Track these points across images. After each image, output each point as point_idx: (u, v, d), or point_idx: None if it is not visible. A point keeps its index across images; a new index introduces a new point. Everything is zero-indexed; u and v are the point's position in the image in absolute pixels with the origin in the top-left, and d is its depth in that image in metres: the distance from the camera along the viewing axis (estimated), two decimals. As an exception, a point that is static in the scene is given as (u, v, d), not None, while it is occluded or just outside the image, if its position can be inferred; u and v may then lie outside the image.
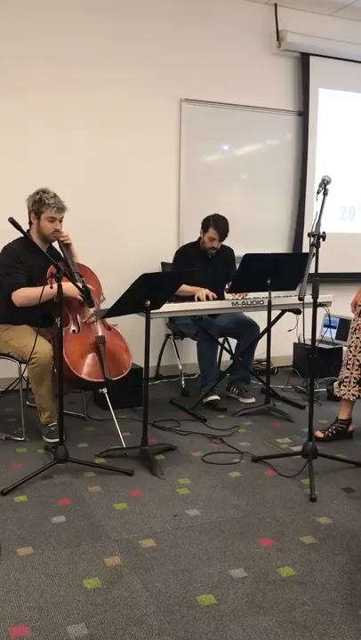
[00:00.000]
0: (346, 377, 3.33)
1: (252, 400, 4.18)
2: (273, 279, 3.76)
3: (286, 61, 5.11)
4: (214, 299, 3.94)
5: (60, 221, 3.42)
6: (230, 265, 4.38)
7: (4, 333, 3.46)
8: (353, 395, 3.32)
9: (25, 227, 3.30)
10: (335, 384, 3.44)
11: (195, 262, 4.21)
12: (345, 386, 3.33)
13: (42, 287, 3.17)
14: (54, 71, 4.35)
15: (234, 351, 4.41)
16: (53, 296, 3.15)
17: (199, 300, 3.92)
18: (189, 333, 4.25)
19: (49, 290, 3.08)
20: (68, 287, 3.13)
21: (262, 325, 4.02)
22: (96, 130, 4.52)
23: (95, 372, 3.23)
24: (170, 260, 4.43)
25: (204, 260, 4.26)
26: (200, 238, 4.28)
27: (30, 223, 3.45)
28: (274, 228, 5.23)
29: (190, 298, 3.96)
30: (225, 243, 4.25)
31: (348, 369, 3.33)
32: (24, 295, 3.31)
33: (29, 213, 3.42)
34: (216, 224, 4.12)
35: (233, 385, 4.32)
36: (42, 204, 3.34)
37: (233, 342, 4.50)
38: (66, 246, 3.52)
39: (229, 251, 4.39)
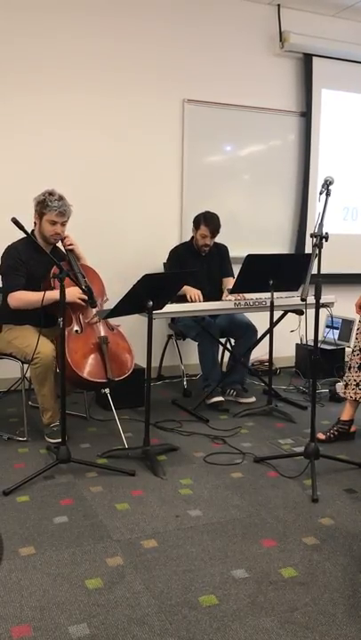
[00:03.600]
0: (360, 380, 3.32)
1: (253, 399, 4.17)
2: (275, 280, 3.75)
3: (289, 62, 5.11)
4: (202, 300, 3.94)
5: (63, 225, 3.42)
6: (225, 261, 4.38)
7: (7, 333, 3.47)
8: None
9: (29, 227, 3.31)
10: (338, 385, 3.43)
11: (188, 262, 4.21)
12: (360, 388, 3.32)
13: (39, 293, 3.19)
14: (56, 73, 4.35)
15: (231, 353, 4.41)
16: (52, 301, 3.17)
17: (192, 300, 3.92)
18: (190, 334, 4.25)
19: (48, 295, 3.09)
20: (68, 292, 3.13)
21: (264, 326, 4.01)
22: (99, 131, 4.52)
23: (98, 372, 3.24)
24: (171, 260, 4.44)
25: (198, 259, 4.26)
26: (193, 237, 4.28)
27: (35, 223, 3.45)
28: (276, 228, 5.23)
29: (183, 297, 3.96)
30: (219, 240, 4.25)
31: None
32: (20, 298, 3.32)
33: (34, 213, 3.43)
34: (207, 221, 4.12)
35: (228, 387, 4.27)
36: (44, 205, 3.34)
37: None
38: (69, 251, 3.54)
39: (223, 247, 4.39)
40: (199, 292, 4.00)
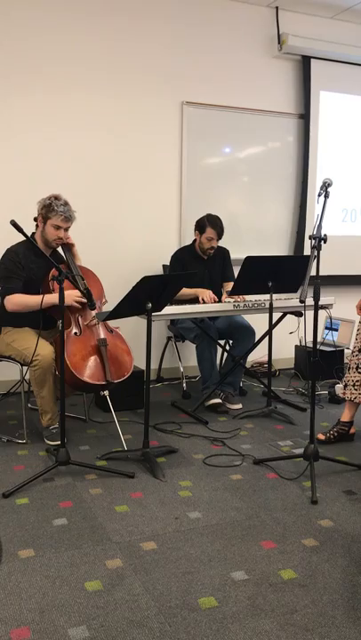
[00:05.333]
0: (357, 380, 3.30)
1: (239, 406, 4.14)
2: (274, 282, 3.76)
3: (288, 64, 5.12)
4: (215, 302, 3.95)
5: (66, 230, 3.42)
6: (226, 265, 4.38)
7: (6, 336, 3.47)
8: None
9: (29, 229, 3.31)
10: (337, 387, 3.43)
11: (190, 265, 4.21)
12: (356, 389, 3.30)
13: (38, 296, 3.19)
14: (56, 74, 4.36)
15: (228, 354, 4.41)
16: (50, 305, 3.17)
17: (204, 301, 3.92)
18: (189, 336, 4.25)
19: (47, 299, 3.10)
20: (65, 294, 3.13)
21: (264, 328, 4.02)
22: (98, 133, 4.52)
23: (97, 374, 3.24)
24: (171, 262, 4.44)
25: (199, 262, 4.26)
26: (195, 241, 4.29)
27: (37, 226, 3.46)
28: (275, 230, 5.24)
29: (191, 300, 3.97)
30: (221, 243, 4.25)
31: (359, 372, 3.30)
32: (16, 302, 3.31)
33: (38, 216, 3.43)
34: (213, 223, 4.12)
35: (220, 389, 4.24)
36: (50, 209, 3.34)
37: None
38: (68, 247, 3.53)
39: (225, 251, 4.40)
40: (210, 292, 4.01)
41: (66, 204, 3.37)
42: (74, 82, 4.42)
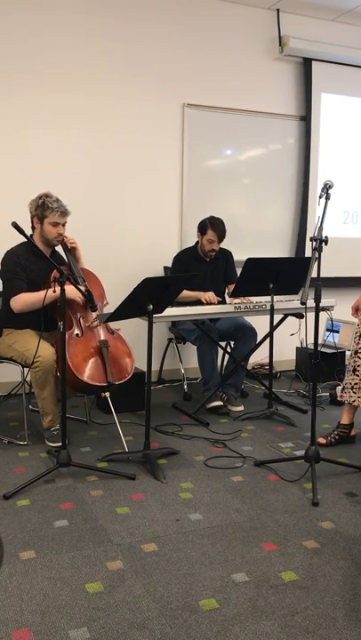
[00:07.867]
0: (355, 383, 3.30)
1: (241, 408, 4.13)
2: (275, 283, 3.76)
3: (289, 66, 5.12)
4: (218, 302, 3.95)
5: (64, 226, 3.43)
6: (229, 266, 4.38)
7: (8, 337, 3.47)
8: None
9: (28, 231, 3.32)
10: (338, 389, 3.43)
11: (192, 267, 4.22)
12: (355, 392, 3.30)
13: (41, 292, 3.19)
14: (56, 76, 4.36)
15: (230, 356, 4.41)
16: (55, 299, 3.17)
17: (206, 302, 3.92)
18: (190, 338, 4.25)
19: (50, 294, 3.09)
20: (69, 289, 3.14)
21: (265, 330, 4.02)
22: (99, 135, 4.53)
23: (98, 375, 3.24)
24: (172, 264, 4.44)
25: (201, 264, 4.27)
26: (197, 242, 4.29)
27: (33, 228, 3.45)
28: (276, 232, 5.24)
29: (192, 302, 3.97)
30: (222, 245, 4.26)
31: (357, 375, 3.30)
32: (23, 302, 3.31)
33: (32, 218, 3.42)
34: (214, 226, 4.12)
35: (222, 391, 4.22)
36: (45, 208, 3.35)
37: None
38: (71, 250, 3.53)
39: (227, 252, 4.40)
40: (212, 293, 4.01)
41: (57, 200, 3.38)
42: (74, 84, 4.43)
